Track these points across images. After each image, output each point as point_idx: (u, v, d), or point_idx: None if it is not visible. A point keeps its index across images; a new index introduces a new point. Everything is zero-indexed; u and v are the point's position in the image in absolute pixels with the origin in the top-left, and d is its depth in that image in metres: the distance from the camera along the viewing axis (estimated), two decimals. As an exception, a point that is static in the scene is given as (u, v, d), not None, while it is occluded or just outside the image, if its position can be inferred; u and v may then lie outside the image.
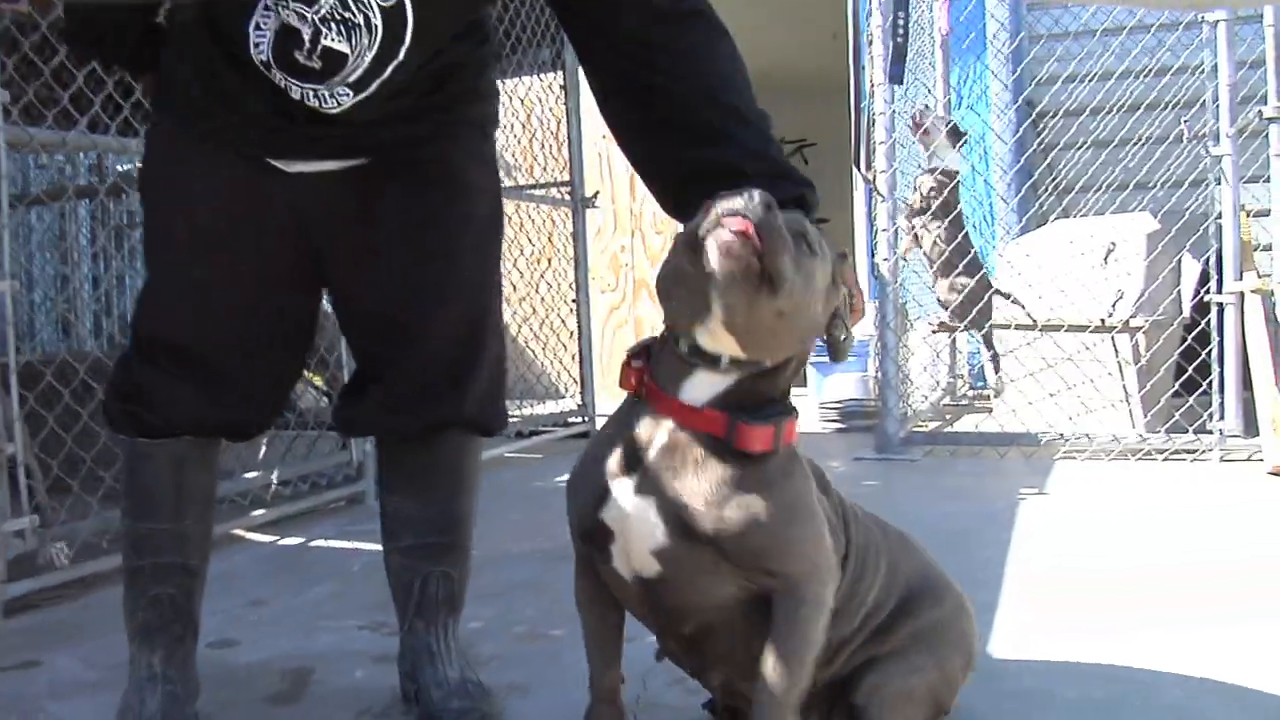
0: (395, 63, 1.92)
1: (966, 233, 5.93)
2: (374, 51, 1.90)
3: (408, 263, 2.11)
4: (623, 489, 1.62)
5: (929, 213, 5.86)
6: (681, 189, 1.84)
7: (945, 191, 5.86)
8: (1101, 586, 3.02)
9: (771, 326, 1.54)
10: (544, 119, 6.23)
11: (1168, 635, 2.54)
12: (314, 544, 3.76)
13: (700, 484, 1.59)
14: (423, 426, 2.18)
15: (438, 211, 2.13)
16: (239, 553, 3.66)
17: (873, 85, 5.16)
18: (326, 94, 1.93)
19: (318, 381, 5.04)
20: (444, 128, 2.12)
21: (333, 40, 1.88)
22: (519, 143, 6.46)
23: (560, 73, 6.00)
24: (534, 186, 6.22)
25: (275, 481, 4.01)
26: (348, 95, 1.93)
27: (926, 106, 6.42)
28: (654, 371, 1.66)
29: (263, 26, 1.91)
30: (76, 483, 3.40)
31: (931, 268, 6.02)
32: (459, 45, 2.08)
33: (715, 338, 1.56)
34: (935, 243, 5.86)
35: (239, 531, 3.86)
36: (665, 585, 1.63)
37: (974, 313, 5.67)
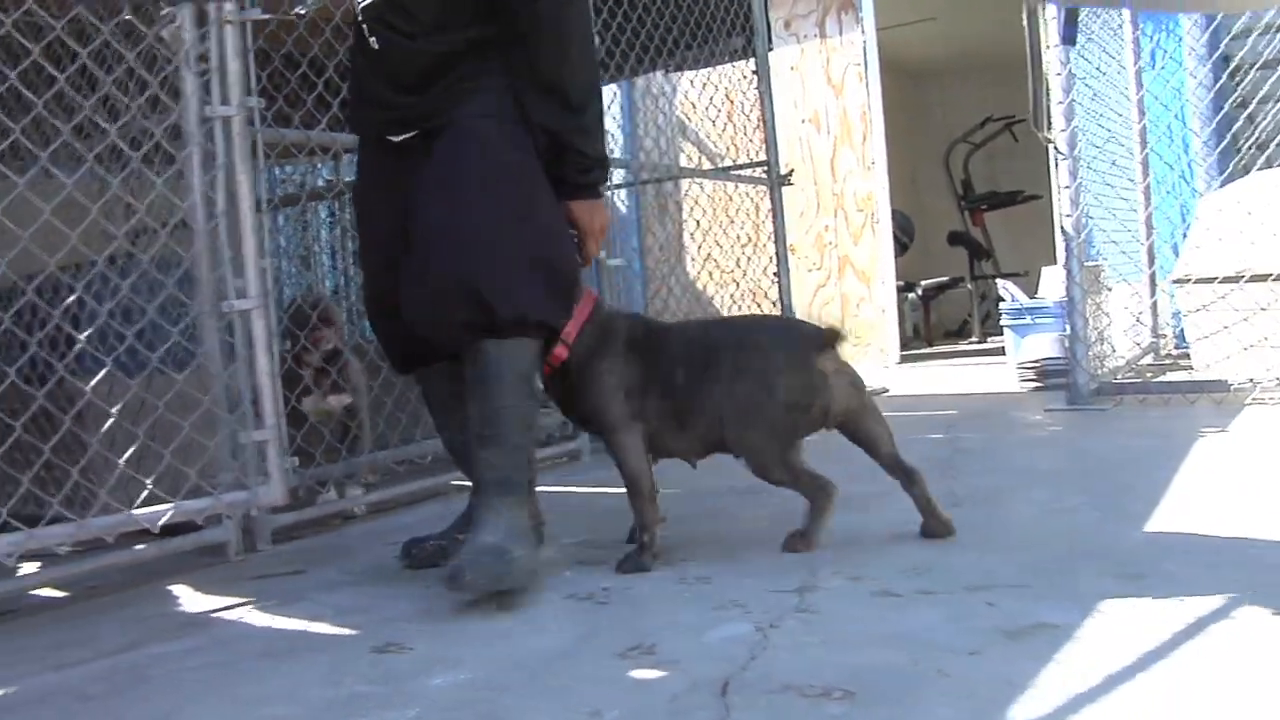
0: None
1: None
2: None
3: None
4: None
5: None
6: None
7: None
8: (1246, 506, 3.21)
9: None
10: (741, 104, 6.59)
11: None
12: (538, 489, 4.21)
13: None
14: (446, 338, 2.78)
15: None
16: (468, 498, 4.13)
17: (1048, 47, 5.33)
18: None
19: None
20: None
21: None
22: (719, 127, 6.84)
23: (752, 59, 6.34)
24: (734, 169, 6.58)
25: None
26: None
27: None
28: None
29: None
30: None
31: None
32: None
33: None
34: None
35: (466, 483, 4.33)
36: None
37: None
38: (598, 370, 2.86)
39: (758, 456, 2.90)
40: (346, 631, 2.52)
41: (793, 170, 6.37)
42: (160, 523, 2.95)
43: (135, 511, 2.92)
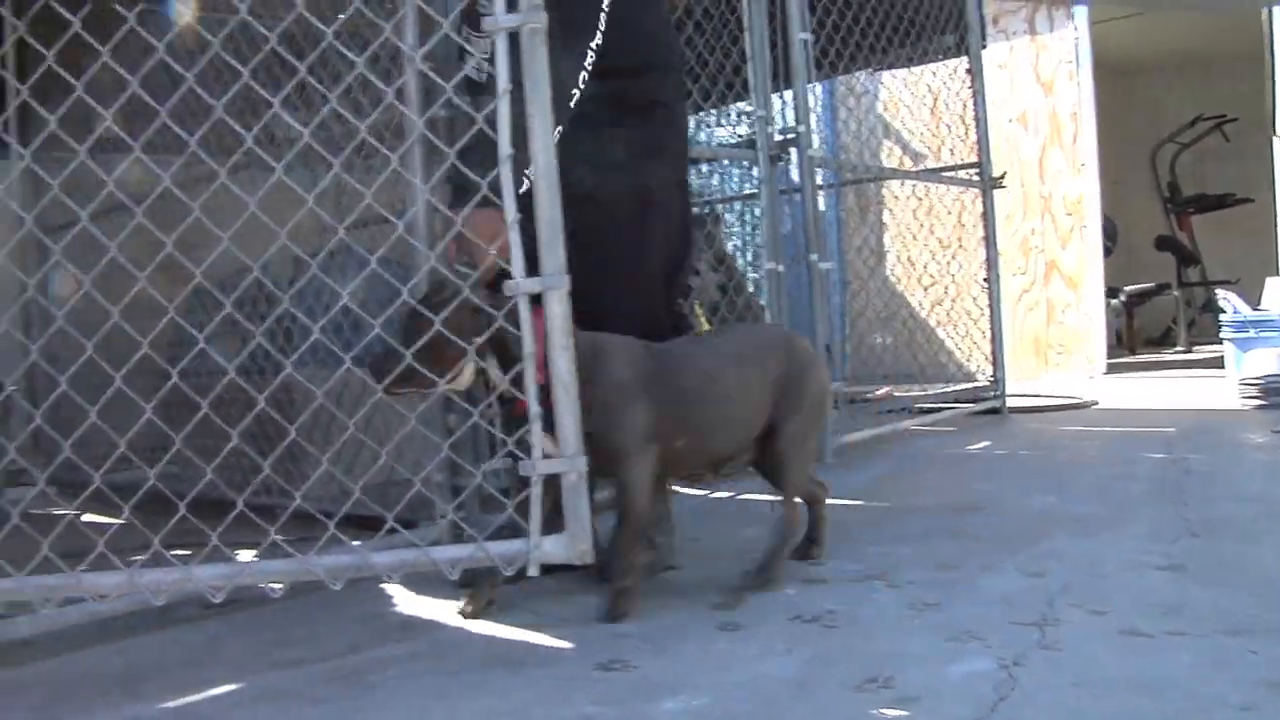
0: None
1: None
2: None
3: None
4: None
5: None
6: None
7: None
8: None
9: None
10: (947, 103, 6.40)
11: None
12: (741, 497, 4.15)
13: None
14: None
15: None
16: (677, 503, 4.08)
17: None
18: None
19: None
20: None
21: None
22: (926, 127, 6.67)
23: (965, 57, 6.15)
24: (943, 169, 6.40)
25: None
26: None
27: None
28: None
29: None
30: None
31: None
32: None
33: None
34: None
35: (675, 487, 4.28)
36: None
37: None
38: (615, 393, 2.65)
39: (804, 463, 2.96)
40: (566, 645, 2.48)
41: (1005, 173, 6.15)
42: (397, 575, 2.71)
43: (373, 558, 2.50)
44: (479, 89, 2.90)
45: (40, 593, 2.34)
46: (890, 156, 7.87)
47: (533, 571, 2.32)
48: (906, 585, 2.76)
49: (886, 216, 7.62)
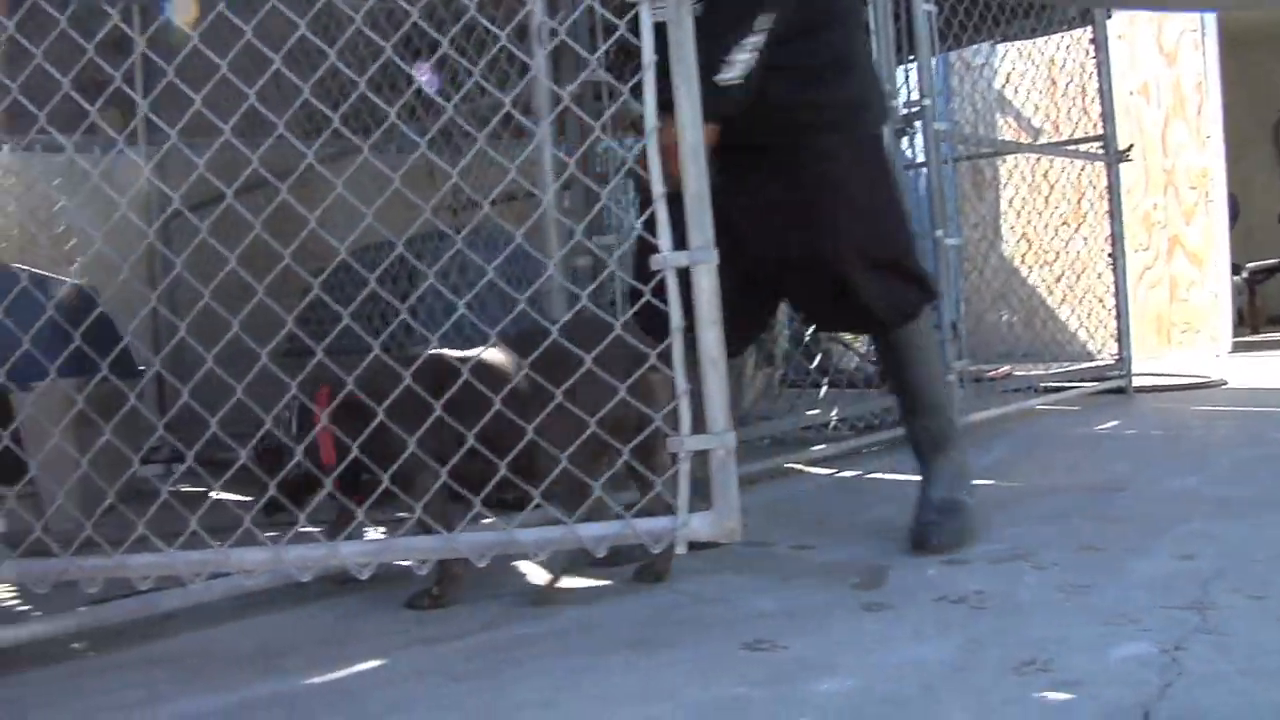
0: None
1: None
2: None
3: None
4: None
5: None
6: None
7: None
8: None
9: None
10: (1071, 74, 6.24)
11: None
12: (869, 476, 4.09)
13: None
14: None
15: None
16: (804, 481, 4.05)
17: None
18: None
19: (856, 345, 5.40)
20: None
21: None
22: (1045, 98, 6.52)
23: (1090, 27, 5.99)
24: (1063, 143, 6.25)
25: (834, 420, 4.37)
26: None
27: None
28: None
29: None
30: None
31: None
32: None
33: None
34: None
35: (800, 466, 4.25)
36: None
37: None
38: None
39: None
40: (709, 624, 2.46)
41: (1131, 146, 5.99)
42: (543, 553, 2.63)
43: (519, 536, 2.43)
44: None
45: (190, 567, 2.37)
46: (1007, 129, 7.70)
47: (680, 549, 2.29)
48: (1051, 567, 2.70)
49: (1003, 190, 7.46)
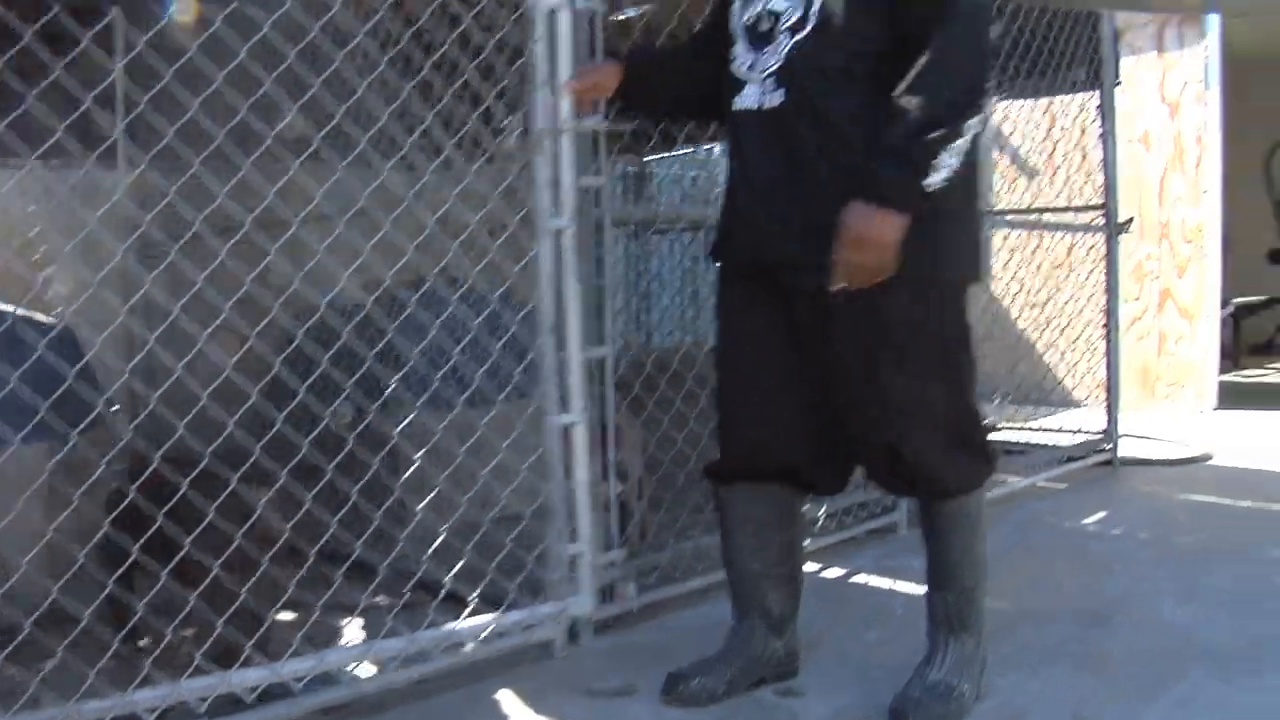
0: None
1: None
2: None
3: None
4: None
5: None
6: None
7: None
8: None
9: None
10: (1069, 134, 6.17)
11: None
12: (854, 579, 4.02)
13: None
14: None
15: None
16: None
17: None
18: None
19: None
20: None
21: None
22: (1041, 151, 6.46)
23: (1097, 92, 5.89)
24: (1061, 210, 6.18)
25: (823, 515, 4.28)
26: None
27: None
28: None
29: None
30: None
31: None
32: None
33: None
34: None
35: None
36: None
37: None
38: None
39: None
40: None
41: (1131, 219, 5.89)
42: (481, 636, 3.12)
43: (458, 626, 3.10)
44: None
45: None
46: (1002, 175, 7.60)
47: None
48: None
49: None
